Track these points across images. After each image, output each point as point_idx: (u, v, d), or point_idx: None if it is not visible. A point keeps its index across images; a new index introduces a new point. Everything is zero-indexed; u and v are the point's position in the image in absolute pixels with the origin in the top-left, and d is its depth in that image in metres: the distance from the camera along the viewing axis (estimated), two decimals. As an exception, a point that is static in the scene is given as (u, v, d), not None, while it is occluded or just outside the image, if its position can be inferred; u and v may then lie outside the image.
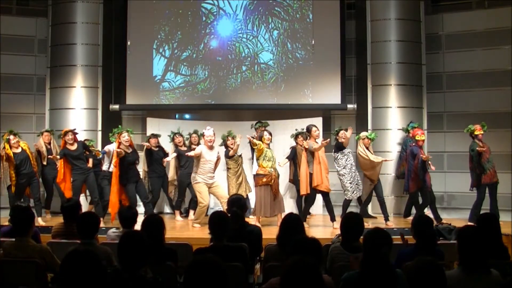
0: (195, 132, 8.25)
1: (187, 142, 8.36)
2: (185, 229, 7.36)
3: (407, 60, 8.80)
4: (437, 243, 3.95)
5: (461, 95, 9.20)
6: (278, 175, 7.60)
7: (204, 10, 9.34)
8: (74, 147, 7.50)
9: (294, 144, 8.16)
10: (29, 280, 3.59)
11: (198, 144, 7.90)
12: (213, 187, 7.33)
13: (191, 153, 7.36)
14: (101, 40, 9.11)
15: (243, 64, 9.26)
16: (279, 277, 2.43)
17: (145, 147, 8.08)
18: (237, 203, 4.75)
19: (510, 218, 7.10)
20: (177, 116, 9.62)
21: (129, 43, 9.23)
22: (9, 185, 7.50)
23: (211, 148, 7.32)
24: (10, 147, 7.38)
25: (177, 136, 8.23)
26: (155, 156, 8.13)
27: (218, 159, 7.50)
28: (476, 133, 7.28)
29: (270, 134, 7.48)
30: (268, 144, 7.43)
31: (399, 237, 4.41)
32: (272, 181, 7.18)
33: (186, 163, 7.97)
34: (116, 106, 9.15)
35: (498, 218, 4.05)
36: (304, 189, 7.22)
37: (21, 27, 9.61)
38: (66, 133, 7.51)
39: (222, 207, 7.25)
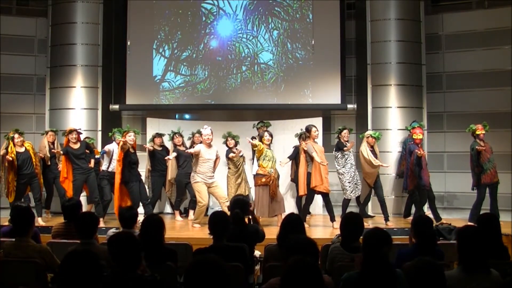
0: (198, 132, 8.23)
1: (189, 142, 8.34)
2: (185, 229, 7.36)
3: (407, 60, 8.81)
4: (437, 243, 3.96)
5: (461, 95, 9.22)
6: (278, 176, 7.60)
7: (204, 10, 9.35)
8: (77, 146, 7.54)
9: (297, 143, 8.16)
10: (29, 280, 3.58)
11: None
12: (213, 187, 7.32)
13: (191, 150, 7.37)
14: (101, 40, 9.12)
15: (243, 64, 9.27)
16: (279, 277, 2.43)
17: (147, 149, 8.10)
18: (240, 205, 4.74)
19: (510, 218, 7.10)
20: (177, 116, 9.63)
21: (129, 43, 9.26)
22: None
23: (209, 146, 7.33)
24: (14, 145, 7.39)
25: (177, 136, 8.22)
26: (158, 155, 8.13)
27: (217, 158, 7.49)
28: (477, 132, 7.28)
29: (271, 135, 7.47)
30: (269, 145, 7.43)
31: (400, 237, 4.40)
32: (271, 181, 7.17)
33: (184, 163, 7.97)
34: (116, 106, 9.16)
35: (498, 218, 4.04)
36: (302, 190, 7.22)
37: (21, 27, 9.65)
38: (71, 131, 7.54)
39: (221, 207, 7.23)
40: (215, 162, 7.41)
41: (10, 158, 7.27)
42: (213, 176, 7.36)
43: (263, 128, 8.21)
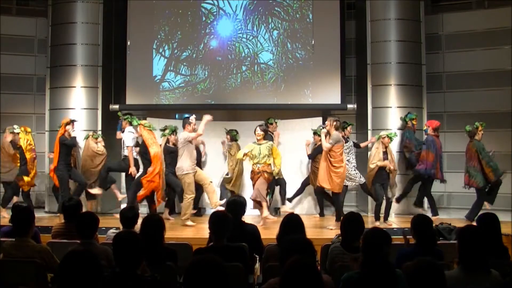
0: (173, 130, 8.16)
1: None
2: (184, 229, 7.33)
3: (407, 60, 8.82)
4: (437, 243, 3.96)
5: (461, 95, 9.26)
6: (273, 173, 7.51)
7: (204, 10, 9.35)
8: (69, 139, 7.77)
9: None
10: (29, 280, 3.58)
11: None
12: (196, 174, 7.45)
13: (192, 135, 7.45)
14: (101, 40, 9.11)
15: (243, 64, 9.27)
16: (279, 277, 2.43)
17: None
18: (235, 206, 4.72)
19: (510, 218, 7.10)
20: (177, 116, 9.60)
21: (129, 43, 9.27)
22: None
23: None
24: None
25: (174, 133, 8.22)
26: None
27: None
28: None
29: (263, 130, 7.44)
30: (260, 139, 7.34)
31: (400, 237, 4.40)
32: (254, 175, 7.33)
33: (173, 161, 7.89)
34: (116, 106, 9.14)
35: (497, 218, 4.02)
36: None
37: (21, 27, 9.69)
38: (67, 123, 7.76)
39: (205, 190, 7.47)
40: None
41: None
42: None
43: (274, 125, 8.34)
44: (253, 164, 7.30)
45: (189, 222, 7.28)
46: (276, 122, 8.46)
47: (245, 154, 7.31)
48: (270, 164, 7.32)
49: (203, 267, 2.26)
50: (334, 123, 7.06)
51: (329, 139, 6.94)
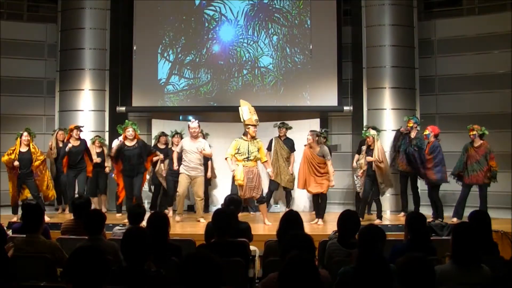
0: (177, 133, 8.43)
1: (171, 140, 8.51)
2: (189, 225, 7.39)
3: (401, 64, 8.99)
4: (430, 239, 4.08)
5: (453, 97, 9.35)
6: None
7: (207, 16, 9.50)
8: (76, 143, 7.86)
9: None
10: (40, 275, 3.62)
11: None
12: (192, 182, 7.46)
13: (176, 149, 7.68)
14: (108, 45, 9.28)
15: (244, 68, 9.42)
16: (278, 271, 2.50)
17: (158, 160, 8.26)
18: (234, 203, 4.92)
19: (510, 216, 7.19)
20: (181, 117, 9.71)
21: (135, 47, 9.41)
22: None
23: (195, 139, 7.45)
24: (20, 143, 7.47)
25: (177, 136, 8.42)
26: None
27: (201, 152, 7.39)
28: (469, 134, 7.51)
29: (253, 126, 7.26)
30: (253, 137, 7.23)
31: (394, 233, 4.51)
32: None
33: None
34: (123, 108, 9.32)
35: (489, 215, 4.09)
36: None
37: (32, 33, 9.81)
38: (71, 129, 7.89)
39: (196, 205, 7.50)
40: (200, 154, 7.39)
41: (17, 163, 7.35)
42: (198, 169, 7.44)
43: (283, 130, 8.46)
44: (241, 160, 7.09)
45: (177, 217, 7.52)
46: (286, 129, 8.50)
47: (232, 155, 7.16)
48: (257, 161, 7.23)
49: (195, 262, 2.36)
50: (317, 138, 7.21)
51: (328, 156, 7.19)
